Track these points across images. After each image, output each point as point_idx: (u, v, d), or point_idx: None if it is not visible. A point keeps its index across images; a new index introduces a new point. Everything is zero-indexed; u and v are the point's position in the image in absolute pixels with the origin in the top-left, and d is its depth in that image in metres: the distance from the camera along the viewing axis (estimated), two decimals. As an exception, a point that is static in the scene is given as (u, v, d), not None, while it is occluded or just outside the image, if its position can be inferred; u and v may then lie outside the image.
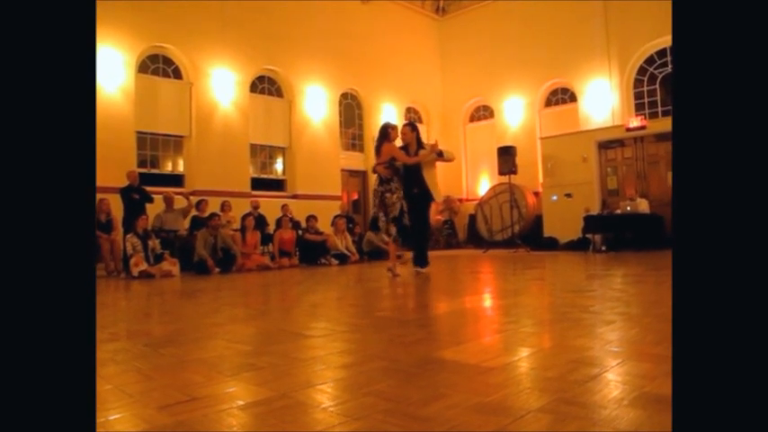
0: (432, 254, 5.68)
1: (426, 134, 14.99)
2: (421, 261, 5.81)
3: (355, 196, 13.52)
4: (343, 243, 9.67)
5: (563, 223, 11.20)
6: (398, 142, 5.90)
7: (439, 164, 5.98)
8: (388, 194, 5.65)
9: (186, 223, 9.02)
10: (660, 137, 10.57)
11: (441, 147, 5.86)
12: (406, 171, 5.75)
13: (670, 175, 10.41)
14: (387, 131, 5.82)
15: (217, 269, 7.94)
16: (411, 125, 6.05)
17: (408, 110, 14.76)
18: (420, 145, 5.88)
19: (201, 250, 7.93)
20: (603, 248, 9.77)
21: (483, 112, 14.98)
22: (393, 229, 5.63)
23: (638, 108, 11.96)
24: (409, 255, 5.76)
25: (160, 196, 8.84)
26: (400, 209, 5.63)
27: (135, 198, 8.32)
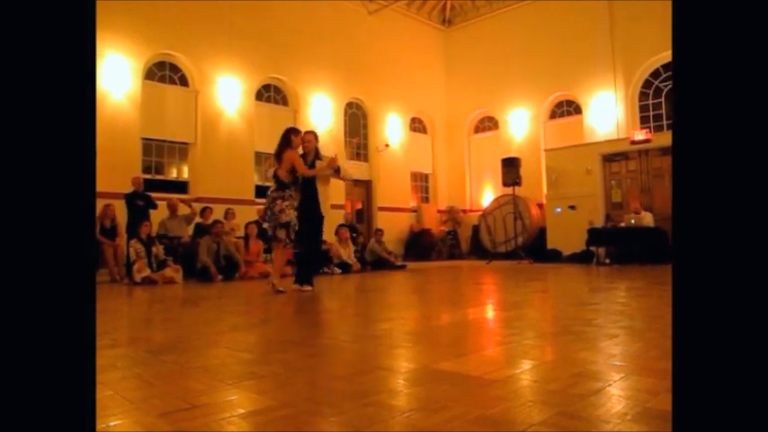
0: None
1: (431, 144, 15.07)
2: (302, 279, 5.54)
3: (359, 206, 13.52)
4: (347, 252, 9.67)
5: (566, 235, 11.17)
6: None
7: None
8: (279, 200, 5.42)
9: (190, 230, 9.03)
10: (665, 150, 10.55)
11: (342, 163, 5.47)
12: (303, 182, 5.59)
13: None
14: (289, 137, 5.58)
15: (219, 276, 7.93)
16: (314, 133, 5.87)
17: (413, 120, 14.80)
18: (317, 156, 5.69)
19: (204, 257, 7.93)
20: (607, 261, 9.73)
21: (487, 124, 15.01)
22: (282, 234, 5.35)
23: (644, 121, 11.97)
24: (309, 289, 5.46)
25: (164, 203, 8.87)
26: (292, 217, 5.43)
27: (139, 204, 8.34)
